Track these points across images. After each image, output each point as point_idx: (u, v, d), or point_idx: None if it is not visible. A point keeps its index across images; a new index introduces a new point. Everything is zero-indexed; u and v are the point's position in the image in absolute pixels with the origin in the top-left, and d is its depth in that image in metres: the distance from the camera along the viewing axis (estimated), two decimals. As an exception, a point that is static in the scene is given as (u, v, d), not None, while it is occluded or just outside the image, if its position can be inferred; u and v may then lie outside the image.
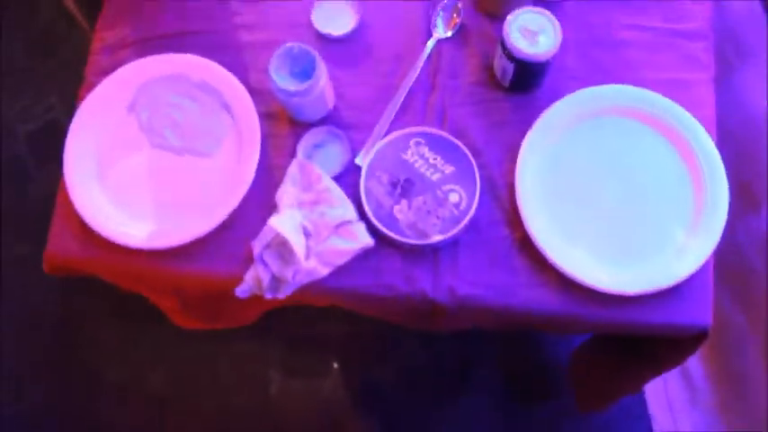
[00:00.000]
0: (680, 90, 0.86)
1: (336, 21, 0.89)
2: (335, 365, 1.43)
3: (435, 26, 0.88)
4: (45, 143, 1.60)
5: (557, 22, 0.79)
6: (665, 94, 0.85)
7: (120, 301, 1.27)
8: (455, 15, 0.88)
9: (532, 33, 0.78)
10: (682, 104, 0.84)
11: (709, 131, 0.84)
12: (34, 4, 1.69)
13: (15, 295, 1.52)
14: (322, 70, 0.79)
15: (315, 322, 1.45)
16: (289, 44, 0.79)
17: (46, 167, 1.58)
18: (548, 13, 0.79)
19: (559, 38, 0.78)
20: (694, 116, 0.84)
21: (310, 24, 0.89)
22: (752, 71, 1.05)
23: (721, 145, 0.86)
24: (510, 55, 0.79)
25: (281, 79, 0.79)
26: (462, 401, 1.38)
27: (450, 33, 0.88)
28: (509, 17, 0.79)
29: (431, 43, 0.87)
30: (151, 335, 1.44)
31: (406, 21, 0.89)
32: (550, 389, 1.39)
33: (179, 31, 0.91)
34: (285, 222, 0.77)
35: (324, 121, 0.86)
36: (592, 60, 0.88)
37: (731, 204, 0.82)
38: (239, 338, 1.43)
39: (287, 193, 0.81)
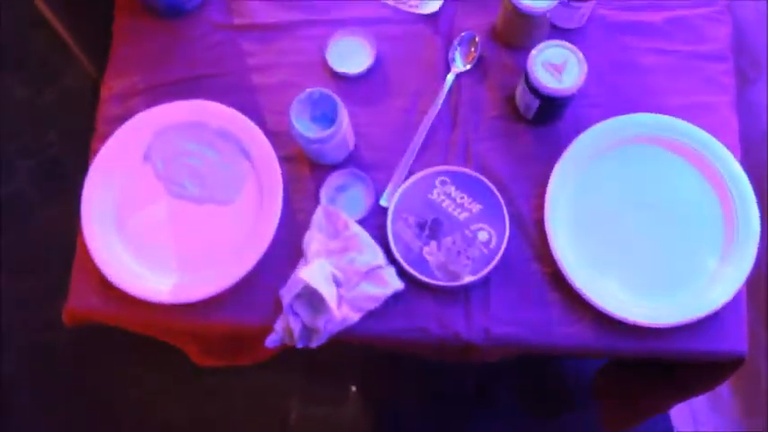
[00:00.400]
0: (703, 114, 0.85)
1: (352, 58, 0.87)
2: (353, 389, 1.41)
3: (453, 60, 0.87)
4: (46, 179, 1.58)
5: (580, 54, 0.77)
6: (688, 120, 0.84)
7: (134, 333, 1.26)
8: (473, 49, 0.87)
9: (556, 67, 0.77)
10: (706, 129, 0.83)
11: (734, 154, 0.83)
12: (28, 37, 1.65)
13: (20, 330, 1.49)
14: (343, 115, 0.77)
15: (331, 347, 1.44)
16: (309, 90, 0.78)
17: (47, 203, 1.56)
18: (570, 45, 0.78)
19: (584, 70, 0.77)
20: (719, 140, 0.83)
21: (326, 63, 0.87)
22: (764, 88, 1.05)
23: (742, 158, 0.85)
24: (535, 91, 0.78)
25: (303, 126, 0.78)
26: (482, 424, 1.38)
27: (468, 67, 0.87)
28: (533, 52, 0.77)
29: (450, 78, 0.86)
30: (167, 364, 1.42)
31: (424, 56, 0.88)
32: (571, 406, 1.38)
33: (190, 77, 0.89)
34: (315, 272, 0.76)
35: (345, 162, 0.84)
36: (613, 87, 0.86)
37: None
38: (256, 366, 1.42)
39: (314, 240, 0.80)
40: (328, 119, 0.79)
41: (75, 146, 1.66)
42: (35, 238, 1.55)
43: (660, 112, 0.85)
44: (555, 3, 0.79)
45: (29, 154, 1.60)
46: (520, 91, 0.82)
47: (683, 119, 0.84)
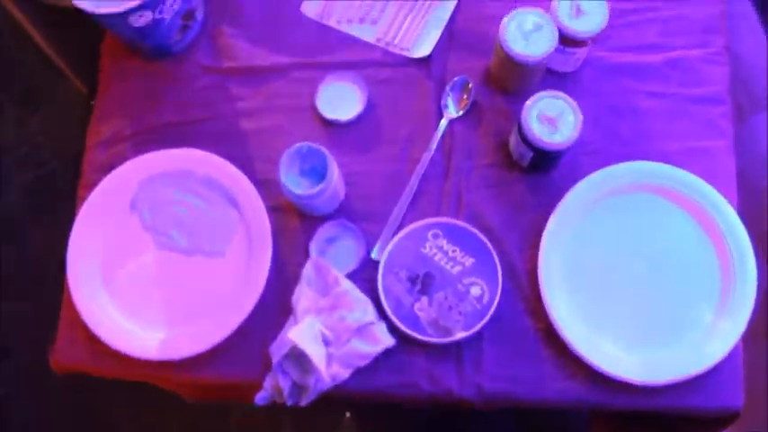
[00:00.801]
0: (701, 159, 0.84)
1: (342, 104, 0.85)
2: (348, 415, 1.41)
3: (446, 106, 0.85)
4: (40, 197, 1.57)
5: (576, 106, 0.75)
6: (685, 165, 0.82)
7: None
8: (466, 95, 0.85)
9: (551, 120, 0.75)
10: (703, 175, 0.82)
11: (731, 202, 0.82)
12: (20, 55, 1.63)
13: (18, 352, 1.49)
14: (333, 170, 0.75)
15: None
16: (298, 144, 0.76)
17: (42, 221, 1.55)
18: (565, 96, 0.76)
19: (580, 123, 0.75)
20: (716, 187, 0.82)
21: (316, 108, 0.85)
22: (764, 117, 1.03)
23: (739, 202, 0.84)
24: (528, 143, 0.76)
25: (292, 181, 0.76)
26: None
27: (461, 113, 0.85)
28: (527, 103, 0.76)
29: (442, 124, 0.84)
30: (163, 395, 1.42)
31: (416, 101, 0.86)
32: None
33: (177, 121, 0.87)
34: (304, 333, 0.75)
35: (336, 213, 0.83)
36: (610, 132, 0.85)
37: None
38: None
39: (303, 296, 0.78)
40: (318, 173, 0.77)
41: (68, 164, 1.66)
42: (29, 256, 1.54)
43: (657, 158, 0.83)
44: (549, 51, 0.77)
45: (22, 171, 1.59)
46: (513, 140, 0.81)
47: (681, 164, 0.82)
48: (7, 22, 1.40)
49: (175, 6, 0.83)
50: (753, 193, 1.04)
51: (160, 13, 0.81)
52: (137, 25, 0.82)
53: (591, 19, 0.78)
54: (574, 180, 0.82)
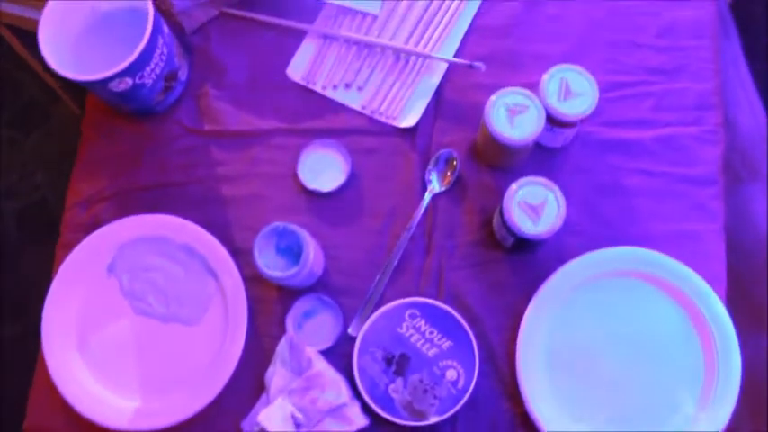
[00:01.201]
0: (689, 243, 0.82)
1: (325, 173, 0.83)
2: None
3: (430, 181, 0.83)
4: (33, 222, 1.56)
5: (560, 195, 0.74)
6: (672, 249, 0.80)
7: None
8: (450, 171, 0.83)
9: (534, 208, 0.74)
10: (691, 259, 0.80)
11: (718, 291, 0.80)
12: (17, 80, 1.62)
13: (5, 375, 1.49)
14: (309, 252, 0.74)
15: None
16: (273, 224, 0.74)
17: (35, 246, 1.54)
18: (550, 183, 0.74)
19: (563, 213, 0.73)
20: (704, 272, 0.79)
21: (297, 176, 0.84)
22: (760, 186, 1.00)
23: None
24: (509, 230, 0.74)
25: (267, 261, 0.74)
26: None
27: (445, 188, 0.83)
28: (510, 189, 0.74)
29: (426, 198, 0.82)
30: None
31: (400, 172, 0.84)
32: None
33: (158, 183, 0.86)
34: (274, 416, 0.74)
35: (314, 286, 0.81)
36: (596, 212, 0.83)
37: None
38: None
39: (277, 374, 0.77)
40: (294, 252, 0.76)
41: (61, 188, 1.66)
42: (21, 282, 1.54)
43: (644, 240, 0.81)
44: (535, 134, 0.75)
45: (15, 196, 1.59)
46: (496, 221, 0.79)
47: (669, 248, 0.81)
48: (2, 45, 1.40)
49: (157, 71, 0.81)
50: (745, 257, 1.02)
51: (140, 78, 0.80)
52: (117, 90, 0.80)
53: (580, 101, 0.76)
54: (558, 261, 0.80)
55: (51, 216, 1.56)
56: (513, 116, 0.76)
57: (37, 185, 1.58)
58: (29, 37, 1.37)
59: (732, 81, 0.97)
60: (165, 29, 0.83)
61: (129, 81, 0.79)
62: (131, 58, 0.77)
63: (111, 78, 0.78)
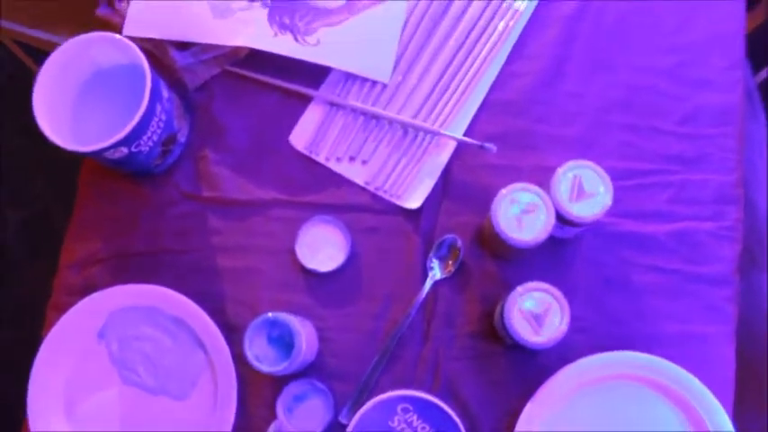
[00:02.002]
0: (697, 345, 0.78)
1: (323, 252, 0.80)
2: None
3: (432, 267, 0.80)
4: (34, 232, 1.55)
5: (564, 303, 0.70)
6: (680, 351, 0.77)
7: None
8: (452, 259, 0.80)
9: (536, 317, 0.71)
10: (698, 363, 0.77)
11: (725, 397, 0.77)
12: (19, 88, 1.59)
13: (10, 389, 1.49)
14: (302, 343, 0.72)
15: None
16: (265, 315, 0.72)
17: (35, 257, 1.53)
18: (554, 291, 0.71)
19: (566, 323, 0.70)
20: (712, 378, 0.76)
21: (295, 253, 0.81)
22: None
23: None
24: (510, 336, 0.71)
25: (257, 354, 0.72)
26: None
27: (447, 274, 0.80)
28: (513, 295, 0.70)
29: (427, 285, 0.79)
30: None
31: (401, 255, 0.81)
32: None
33: (152, 250, 0.83)
34: None
35: (307, 369, 0.79)
36: (604, 309, 0.79)
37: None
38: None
39: (263, 462, 0.76)
40: (285, 342, 0.74)
41: (62, 198, 1.64)
42: (22, 294, 1.53)
43: (651, 341, 0.78)
44: (543, 237, 0.72)
45: (17, 206, 1.57)
46: (497, 319, 0.76)
47: (676, 350, 0.78)
48: (11, 59, 1.38)
49: (154, 138, 0.78)
50: (755, 341, 0.99)
51: (137, 147, 0.77)
52: (112, 158, 0.78)
53: (592, 202, 0.73)
54: (560, 359, 0.77)
55: (52, 226, 1.55)
56: (521, 215, 0.72)
57: (38, 195, 1.57)
58: (34, 50, 1.35)
59: (756, 162, 0.92)
60: (165, 93, 0.80)
61: (125, 150, 0.77)
62: (126, 130, 0.74)
63: (105, 149, 0.75)
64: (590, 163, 0.74)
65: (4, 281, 1.53)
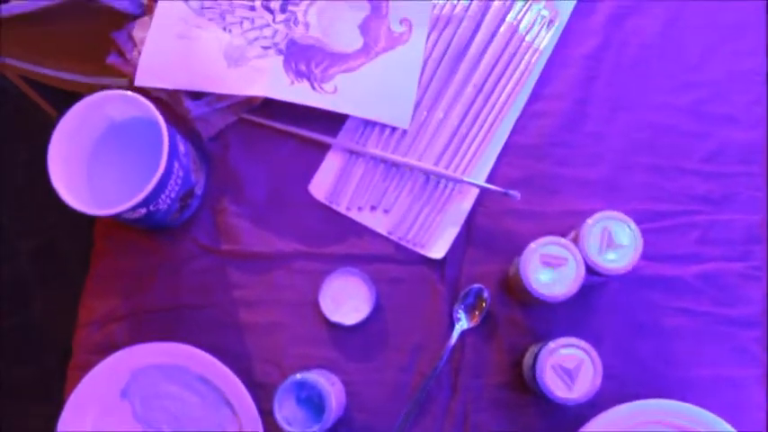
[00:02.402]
0: (728, 389, 0.78)
1: (348, 304, 0.79)
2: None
3: (458, 319, 0.79)
4: (46, 262, 1.53)
5: (597, 359, 0.69)
6: (710, 395, 0.77)
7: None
8: (479, 310, 0.79)
9: (568, 372, 0.70)
10: (729, 407, 0.76)
11: (758, 440, 0.76)
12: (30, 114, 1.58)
13: (16, 420, 1.49)
14: (332, 404, 0.71)
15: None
16: (293, 377, 0.71)
17: (48, 287, 1.52)
18: (586, 346, 0.70)
19: (599, 378, 0.69)
20: (743, 421, 0.75)
21: (319, 305, 0.80)
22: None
23: None
24: (542, 393, 0.71)
25: (287, 416, 0.71)
26: None
27: (474, 324, 0.79)
28: (544, 353, 0.69)
29: (454, 335, 0.78)
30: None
31: (426, 305, 0.80)
32: None
33: (173, 305, 0.82)
34: None
35: (335, 426, 0.78)
36: (633, 354, 0.78)
37: None
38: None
39: None
40: (314, 403, 0.73)
41: (74, 228, 1.62)
42: (34, 324, 1.52)
43: (681, 386, 0.77)
44: (572, 292, 0.71)
45: (29, 235, 1.56)
46: (527, 368, 0.75)
47: (707, 394, 0.77)
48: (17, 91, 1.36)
49: (172, 195, 0.77)
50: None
51: (155, 206, 0.76)
52: (130, 218, 0.76)
53: (622, 253, 0.71)
54: (590, 407, 0.75)
55: (64, 255, 1.53)
56: (549, 268, 0.71)
57: (51, 224, 1.55)
58: (40, 85, 1.33)
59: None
60: (182, 147, 0.78)
61: (143, 210, 0.75)
62: (144, 193, 0.72)
63: (122, 213, 0.73)
64: (619, 214, 0.72)
65: (18, 310, 1.52)
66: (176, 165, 0.76)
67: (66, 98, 1.27)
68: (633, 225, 0.72)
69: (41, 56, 1.18)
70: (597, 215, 0.73)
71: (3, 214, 1.58)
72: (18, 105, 1.58)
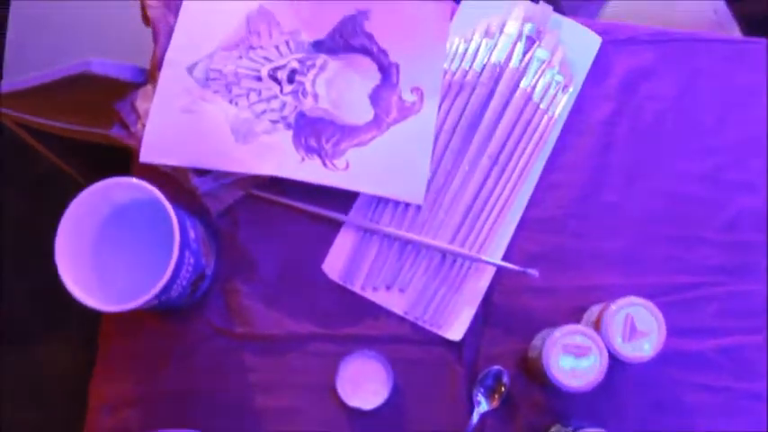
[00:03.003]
0: (751, 467, 0.78)
1: (365, 387, 0.78)
2: None
3: (479, 402, 0.77)
4: (45, 303, 1.50)
5: (621, 449, 0.69)
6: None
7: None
8: (498, 394, 0.77)
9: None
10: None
11: None
12: (32, 155, 1.54)
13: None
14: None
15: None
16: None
17: (47, 328, 1.49)
18: (609, 435, 0.70)
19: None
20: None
21: (336, 389, 0.78)
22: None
23: None
24: (566, 485, 0.70)
25: None
26: None
27: (494, 406, 0.78)
28: (567, 443, 0.69)
29: (474, 418, 0.77)
30: None
31: (445, 387, 0.79)
32: None
33: (186, 390, 0.80)
34: None
35: None
36: (653, 430, 0.78)
37: None
38: None
39: None
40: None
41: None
42: (35, 365, 1.50)
43: (702, 461, 0.77)
44: (595, 382, 0.70)
45: (28, 276, 1.52)
46: (548, 453, 0.75)
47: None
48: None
49: (183, 282, 0.75)
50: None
51: (166, 295, 0.74)
52: (143, 308, 0.74)
53: (646, 341, 0.70)
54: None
55: (64, 297, 1.50)
56: (572, 358, 0.70)
57: (49, 263, 1.52)
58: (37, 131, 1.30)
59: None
60: (192, 233, 0.76)
61: (155, 301, 0.73)
62: (155, 290, 0.70)
63: (133, 308, 0.71)
64: (641, 300, 0.71)
65: (19, 352, 1.49)
66: (187, 254, 0.74)
67: (64, 145, 1.24)
68: (656, 311, 0.71)
69: (40, 115, 1.14)
70: (620, 301, 0.71)
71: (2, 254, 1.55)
72: (16, 147, 1.55)
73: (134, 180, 0.74)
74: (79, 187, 0.78)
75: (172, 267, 0.71)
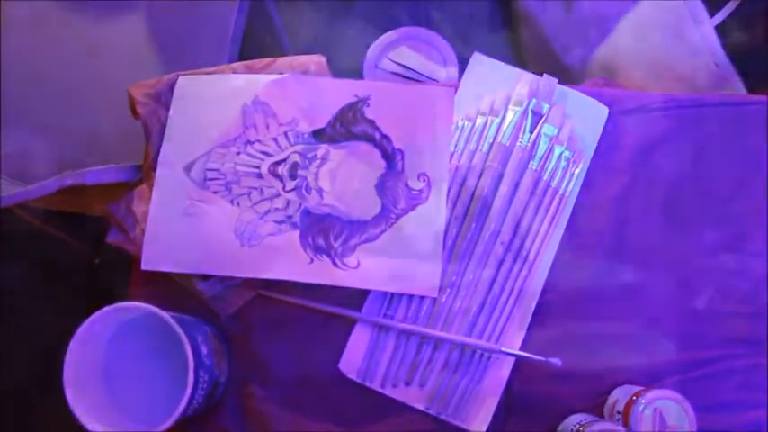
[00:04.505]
0: None
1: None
2: None
3: (506, 495, 0.77)
4: (43, 368, 1.47)
5: None
6: None
7: None
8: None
9: None
10: None
11: None
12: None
13: None
14: None
15: None
16: None
17: (45, 394, 1.46)
18: None
19: None
20: None
21: (361, 490, 0.78)
22: None
23: None
24: None
25: None
26: None
27: (522, 497, 0.78)
28: None
29: None
30: None
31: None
32: None
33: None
34: None
35: None
36: None
37: None
38: None
39: None
40: None
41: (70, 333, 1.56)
42: None
43: None
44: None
45: (25, 340, 1.49)
46: None
47: None
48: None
49: (198, 399, 0.73)
50: None
51: (183, 415, 0.72)
52: (159, 431, 0.72)
53: (674, 435, 0.70)
54: None
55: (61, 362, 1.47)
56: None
57: (47, 327, 1.49)
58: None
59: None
60: (204, 348, 0.73)
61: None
62: (170, 422, 0.68)
63: (152, 435, 0.69)
64: (671, 392, 0.71)
65: (19, 419, 1.47)
66: (201, 373, 0.72)
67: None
68: (686, 403, 0.71)
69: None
70: (648, 395, 0.71)
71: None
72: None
73: (143, 305, 0.71)
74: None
75: (187, 397, 0.69)
